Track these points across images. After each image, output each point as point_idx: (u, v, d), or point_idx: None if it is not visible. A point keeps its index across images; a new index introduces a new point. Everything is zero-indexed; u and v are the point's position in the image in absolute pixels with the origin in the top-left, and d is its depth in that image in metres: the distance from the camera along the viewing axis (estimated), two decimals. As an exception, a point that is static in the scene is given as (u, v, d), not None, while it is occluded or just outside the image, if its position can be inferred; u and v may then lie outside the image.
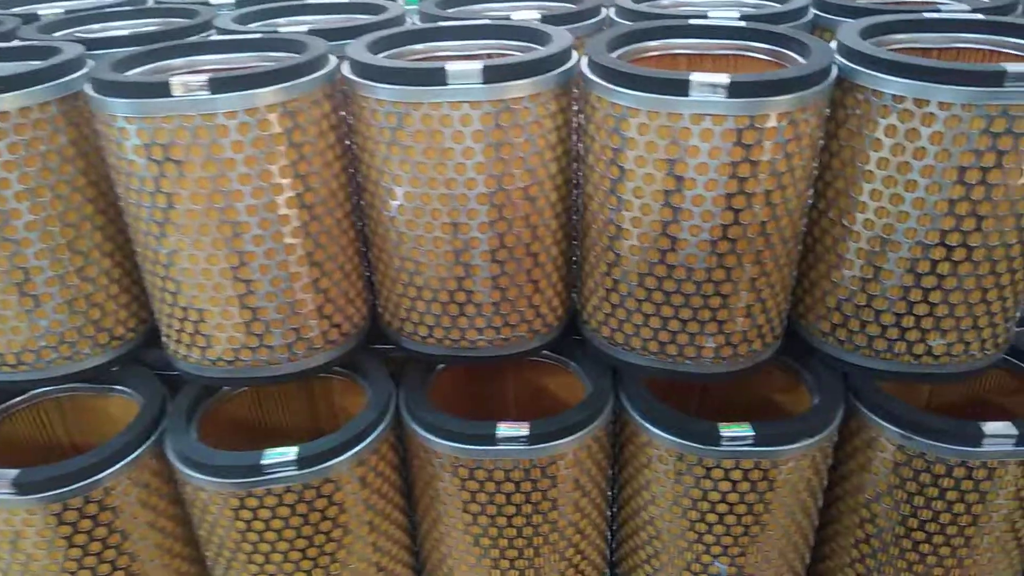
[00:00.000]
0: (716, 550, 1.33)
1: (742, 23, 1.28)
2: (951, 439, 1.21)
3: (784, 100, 1.05)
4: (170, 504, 1.32)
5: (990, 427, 1.20)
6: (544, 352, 1.46)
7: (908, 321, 1.21)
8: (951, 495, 1.25)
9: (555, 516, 1.31)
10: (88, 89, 1.12)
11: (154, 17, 1.65)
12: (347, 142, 1.25)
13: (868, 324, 1.24)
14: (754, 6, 1.52)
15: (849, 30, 1.18)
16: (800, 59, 1.18)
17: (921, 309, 1.20)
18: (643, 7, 1.48)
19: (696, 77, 1.04)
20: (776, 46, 1.24)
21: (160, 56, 1.27)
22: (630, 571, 1.49)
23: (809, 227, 1.28)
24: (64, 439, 1.49)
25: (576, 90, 1.21)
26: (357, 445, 1.23)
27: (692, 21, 1.30)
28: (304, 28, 1.41)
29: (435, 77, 1.09)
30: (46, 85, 1.13)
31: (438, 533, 1.39)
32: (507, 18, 1.40)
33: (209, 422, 1.36)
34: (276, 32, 1.39)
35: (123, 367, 1.37)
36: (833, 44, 1.17)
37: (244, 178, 1.10)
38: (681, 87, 1.04)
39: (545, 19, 1.39)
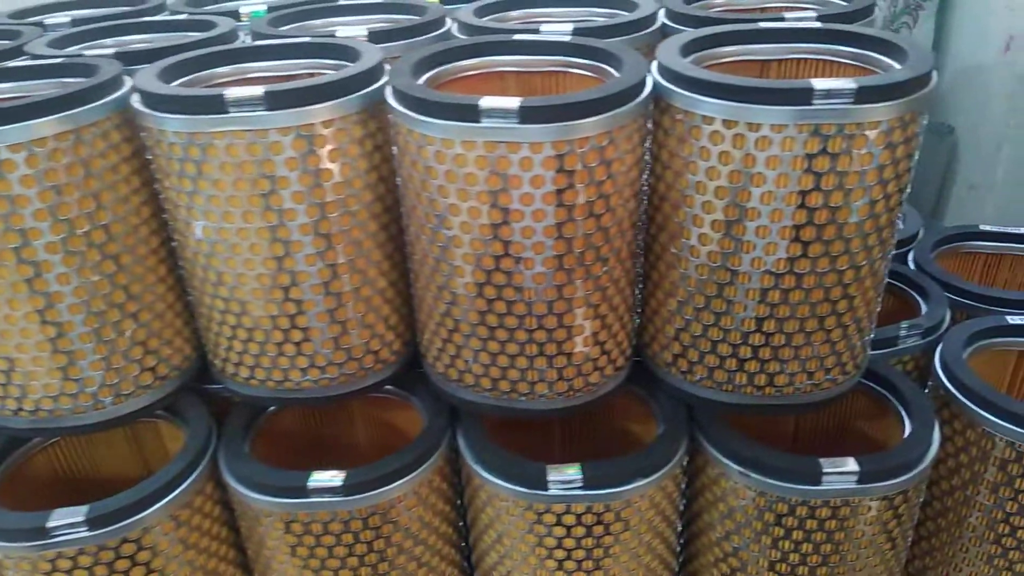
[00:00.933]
0: (561, 597, 1.26)
1: (566, 38, 1.20)
2: (789, 477, 1.14)
3: (589, 123, 0.98)
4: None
5: (829, 464, 1.13)
6: (389, 388, 1.39)
7: (745, 352, 1.15)
8: (796, 535, 1.18)
9: (385, 568, 1.23)
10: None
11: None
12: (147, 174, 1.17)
13: (706, 355, 1.17)
14: (607, 15, 1.45)
15: (669, 44, 1.12)
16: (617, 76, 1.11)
17: (756, 339, 1.13)
18: (486, 21, 1.40)
19: (485, 102, 0.96)
20: (598, 62, 1.17)
21: None
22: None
23: (645, 253, 1.21)
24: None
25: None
26: (165, 497, 1.15)
27: (520, 36, 1.23)
28: (110, 51, 1.32)
29: (214, 105, 1.01)
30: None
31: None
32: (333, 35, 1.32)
33: (16, 479, 1.27)
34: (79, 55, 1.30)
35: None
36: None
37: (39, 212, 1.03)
38: (472, 113, 0.97)
39: (376, 35, 1.31)
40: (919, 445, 1.18)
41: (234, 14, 1.61)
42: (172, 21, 1.52)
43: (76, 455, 1.36)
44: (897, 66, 1.07)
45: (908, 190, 1.09)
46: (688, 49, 1.12)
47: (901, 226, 1.85)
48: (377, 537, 1.19)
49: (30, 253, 1.05)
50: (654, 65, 1.10)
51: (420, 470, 1.20)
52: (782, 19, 1.28)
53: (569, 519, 1.16)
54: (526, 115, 0.96)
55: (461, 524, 1.37)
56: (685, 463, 1.26)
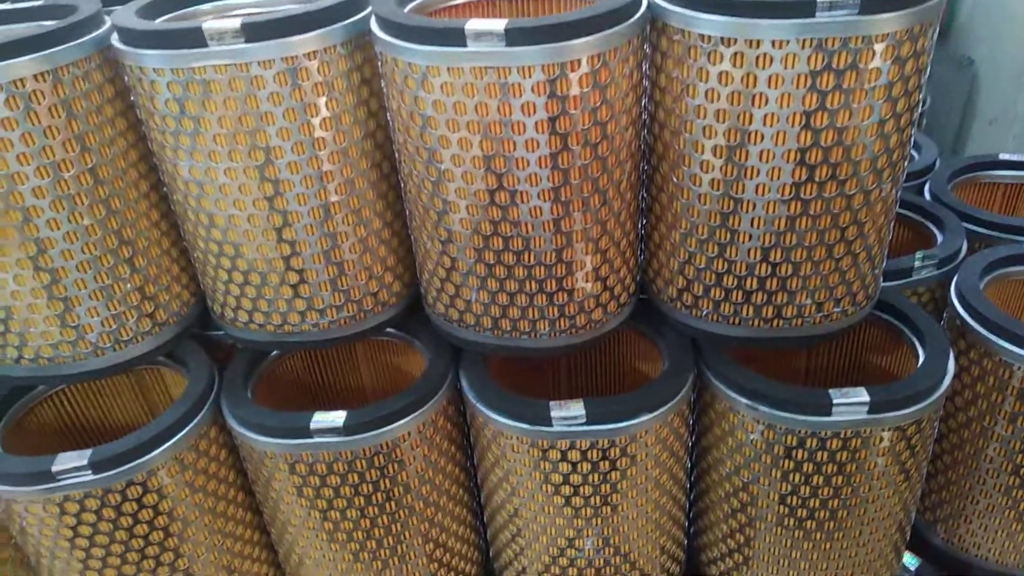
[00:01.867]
0: (570, 533, 1.25)
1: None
2: (798, 408, 1.11)
3: (581, 44, 0.94)
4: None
5: (839, 394, 1.10)
6: (391, 331, 1.37)
7: (751, 283, 1.11)
8: (807, 467, 1.16)
9: (392, 507, 1.23)
10: None
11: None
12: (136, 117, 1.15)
13: (711, 288, 1.14)
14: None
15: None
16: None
17: (763, 269, 1.09)
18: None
19: (472, 25, 0.92)
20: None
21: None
22: (498, 553, 1.42)
23: (647, 185, 1.17)
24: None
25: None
26: (168, 441, 1.15)
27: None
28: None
29: (192, 39, 0.98)
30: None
31: (289, 534, 1.31)
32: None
33: (24, 425, 1.28)
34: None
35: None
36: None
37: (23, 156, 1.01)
38: (457, 37, 0.93)
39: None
40: (933, 374, 1.14)
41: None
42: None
43: (81, 404, 1.36)
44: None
45: (920, 109, 1.03)
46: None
47: (916, 156, 1.79)
48: (382, 477, 1.18)
49: (17, 199, 1.04)
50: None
51: (422, 410, 1.18)
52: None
53: (574, 455, 1.15)
54: (514, 37, 0.92)
55: (469, 464, 1.36)
56: (692, 399, 1.24)
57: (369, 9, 1.07)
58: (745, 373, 1.16)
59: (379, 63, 1.06)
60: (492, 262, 1.10)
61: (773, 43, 0.92)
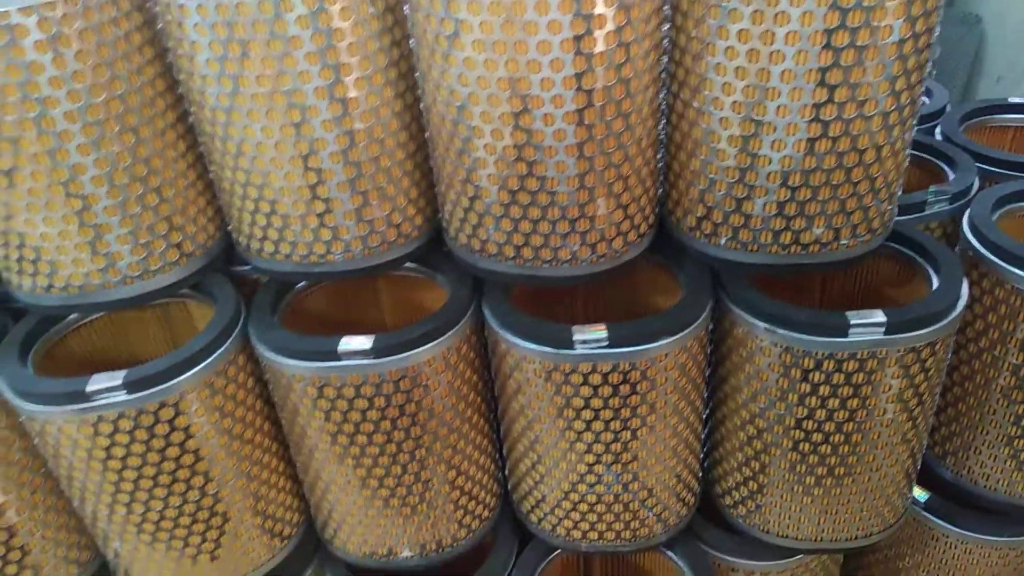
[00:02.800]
0: (589, 459, 1.28)
1: None
2: (816, 330, 1.14)
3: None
4: (19, 437, 1.27)
5: (856, 316, 1.12)
6: (413, 267, 1.39)
7: (770, 208, 1.13)
8: (823, 390, 1.18)
9: (418, 432, 1.25)
10: None
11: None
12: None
13: (731, 214, 1.16)
14: None
15: None
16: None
17: (782, 194, 1.11)
18: None
19: (502, -60, 0.94)
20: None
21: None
22: (517, 485, 1.45)
23: (668, 114, 1.19)
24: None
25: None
26: (195, 366, 1.17)
27: None
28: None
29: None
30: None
31: (316, 460, 1.33)
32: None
33: (54, 356, 1.30)
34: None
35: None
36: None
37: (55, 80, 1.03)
38: (486, -47, 0.94)
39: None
40: (948, 297, 1.17)
41: None
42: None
43: (109, 337, 1.39)
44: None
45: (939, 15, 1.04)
46: None
47: (926, 101, 1.81)
48: (408, 401, 1.21)
49: (49, 123, 1.06)
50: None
51: (448, 335, 1.21)
52: None
53: (595, 379, 1.17)
54: (545, -47, 0.93)
55: (490, 396, 1.39)
56: (710, 327, 1.26)
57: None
58: (763, 298, 1.18)
59: (406, -14, 1.07)
60: (515, 188, 1.12)
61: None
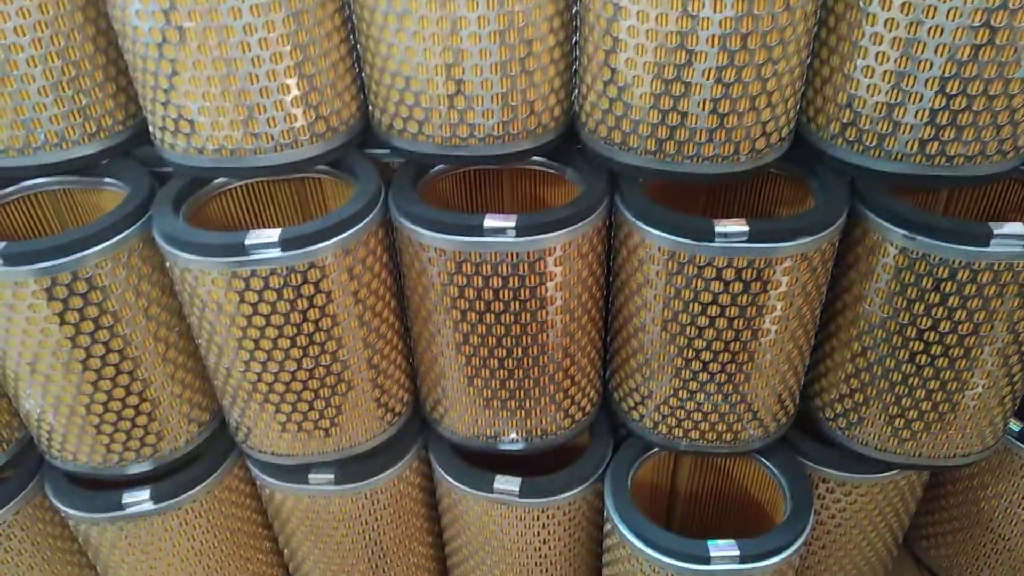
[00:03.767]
0: (706, 356, 1.31)
1: None
2: (957, 239, 1.15)
3: None
4: (162, 293, 1.33)
5: (1001, 227, 1.14)
6: (541, 161, 1.42)
7: (922, 116, 1.14)
8: (953, 300, 1.20)
9: (543, 316, 1.29)
10: None
11: None
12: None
13: (880, 121, 1.17)
14: None
15: None
16: None
17: (937, 102, 1.12)
18: None
19: None
20: None
21: None
22: (621, 383, 1.49)
23: (824, 16, 1.19)
24: (57, 232, 1.49)
25: None
26: (343, 232, 1.22)
27: None
28: None
29: None
30: None
31: (437, 343, 1.38)
32: None
33: (195, 219, 1.35)
34: None
35: (113, 161, 1.36)
36: None
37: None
38: None
39: None
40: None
41: None
42: None
43: (244, 206, 1.43)
44: None
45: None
46: None
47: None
48: (540, 283, 1.25)
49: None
50: None
51: (583, 223, 1.23)
52: None
53: (729, 273, 1.20)
54: None
55: (604, 294, 1.42)
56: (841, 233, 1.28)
57: None
58: (903, 205, 1.20)
59: None
60: (671, 78, 1.14)
61: None
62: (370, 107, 1.34)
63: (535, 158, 1.42)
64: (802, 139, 1.30)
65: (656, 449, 1.55)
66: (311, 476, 1.49)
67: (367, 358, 1.36)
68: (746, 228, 1.17)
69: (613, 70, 1.17)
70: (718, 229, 1.18)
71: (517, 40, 1.17)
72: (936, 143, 1.16)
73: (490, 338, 1.32)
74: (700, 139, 1.19)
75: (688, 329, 1.29)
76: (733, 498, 1.68)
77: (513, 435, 1.47)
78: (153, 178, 1.35)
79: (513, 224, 1.20)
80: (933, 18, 1.06)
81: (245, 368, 1.32)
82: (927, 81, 1.11)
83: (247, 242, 1.17)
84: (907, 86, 1.13)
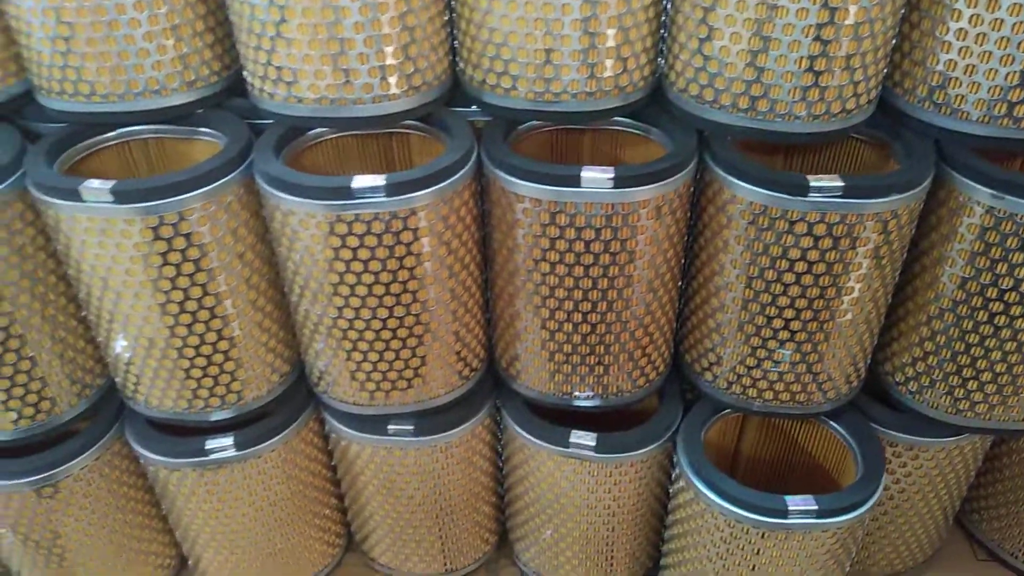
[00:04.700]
0: (789, 313, 1.34)
1: None
2: (1048, 197, 1.19)
3: None
4: (256, 240, 1.35)
5: (1089, 186, 1.17)
6: (626, 122, 1.45)
7: (1012, 79, 1.17)
8: (1037, 261, 1.23)
9: (631, 270, 1.32)
10: None
11: None
12: None
13: (969, 84, 1.20)
14: None
15: None
16: None
17: (1031, 63, 1.15)
18: None
19: None
20: None
21: None
22: (695, 344, 1.52)
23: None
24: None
25: None
26: (443, 180, 1.25)
27: None
28: None
29: None
30: None
31: (520, 297, 1.40)
32: None
33: (290, 167, 1.38)
34: None
35: (206, 112, 1.39)
36: None
37: None
38: None
39: None
40: None
41: None
42: None
43: (334, 159, 1.46)
44: None
45: None
46: None
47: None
48: (633, 236, 1.27)
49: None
50: None
51: (672, 179, 1.26)
52: None
53: (820, 229, 1.23)
54: None
55: (684, 255, 1.45)
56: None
57: None
58: (991, 166, 1.23)
59: None
60: (770, 34, 1.17)
61: None
62: (461, 63, 1.37)
63: (619, 118, 1.45)
64: (884, 103, 1.33)
65: (726, 411, 1.57)
66: (390, 427, 1.52)
67: (453, 310, 1.39)
68: (841, 183, 1.20)
69: (711, 27, 1.20)
70: (813, 183, 1.21)
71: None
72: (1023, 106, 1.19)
73: (576, 291, 1.35)
74: (794, 97, 1.22)
75: (773, 286, 1.32)
76: (797, 462, 1.71)
77: (589, 392, 1.50)
78: (249, 130, 1.38)
79: (611, 175, 1.22)
80: (1033, -21, 1.09)
81: (337, 315, 1.35)
82: (1020, 43, 1.14)
83: (354, 185, 1.20)
84: (1000, 48, 1.16)
